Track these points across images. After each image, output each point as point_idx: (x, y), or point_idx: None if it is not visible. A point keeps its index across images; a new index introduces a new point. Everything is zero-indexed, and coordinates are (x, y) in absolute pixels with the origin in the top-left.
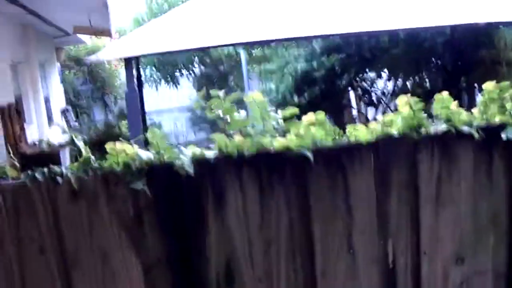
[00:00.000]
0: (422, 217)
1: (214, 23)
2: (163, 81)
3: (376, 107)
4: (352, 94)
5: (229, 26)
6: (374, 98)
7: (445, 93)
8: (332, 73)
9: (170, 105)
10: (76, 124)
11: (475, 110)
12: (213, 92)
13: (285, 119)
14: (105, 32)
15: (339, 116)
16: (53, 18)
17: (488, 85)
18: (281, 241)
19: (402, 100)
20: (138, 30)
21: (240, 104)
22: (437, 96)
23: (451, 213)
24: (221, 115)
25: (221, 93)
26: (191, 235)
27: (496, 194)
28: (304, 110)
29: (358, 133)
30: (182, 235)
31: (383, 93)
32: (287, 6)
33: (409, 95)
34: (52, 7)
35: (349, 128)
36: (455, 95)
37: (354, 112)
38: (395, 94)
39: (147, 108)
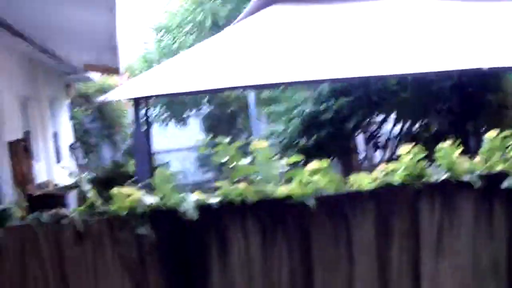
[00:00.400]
0: (422, 265)
1: (223, 66)
2: (172, 120)
3: (383, 150)
4: (359, 137)
5: (237, 69)
6: (381, 141)
7: (447, 143)
8: (340, 116)
9: (178, 144)
10: (85, 161)
11: (477, 159)
12: (219, 138)
13: (290, 166)
14: (114, 70)
15: (346, 159)
16: (63, 55)
17: (491, 134)
18: None
19: (405, 149)
20: (148, 72)
21: (246, 147)
22: (439, 146)
23: (451, 261)
24: (227, 162)
25: (226, 140)
26: (194, 280)
27: (496, 242)
28: (311, 152)
29: (361, 181)
30: (185, 279)
31: (391, 137)
32: (296, 50)
33: (412, 144)
34: (62, 44)
35: (351, 176)
36: (462, 139)
37: (361, 155)
38: (402, 137)
39: (155, 147)
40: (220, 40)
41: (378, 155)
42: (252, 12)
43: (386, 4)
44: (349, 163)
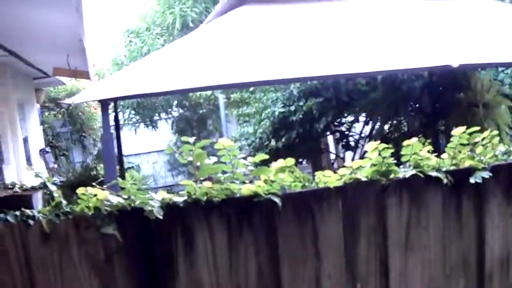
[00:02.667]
0: (391, 261)
1: (192, 67)
2: (142, 124)
3: (354, 151)
4: (330, 138)
5: (207, 70)
6: (351, 142)
7: (414, 139)
8: (310, 117)
9: (149, 148)
10: (55, 165)
11: (444, 155)
12: (184, 138)
13: (256, 165)
14: (84, 74)
15: (317, 160)
16: (33, 59)
17: (458, 130)
18: (249, 286)
19: (371, 146)
20: (116, 74)
21: (213, 149)
22: (406, 142)
23: (420, 257)
24: (192, 161)
25: (192, 139)
26: (160, 279)
27: (465, 238)
28: (281, 153)
29: (327, 178)
30: (152, 279)
31: (361, 137)
32: (265, 50)
33: (378, 141)
34: (31, 48)
35: (318, 174)
36: (433, 138)
37: (332, 156)
38: (373, 137)
39: (125, 151)
40: (189, 41)
41: (349, 155)
42: (221, 13)
43: (355, 4)
44: (319, 164)
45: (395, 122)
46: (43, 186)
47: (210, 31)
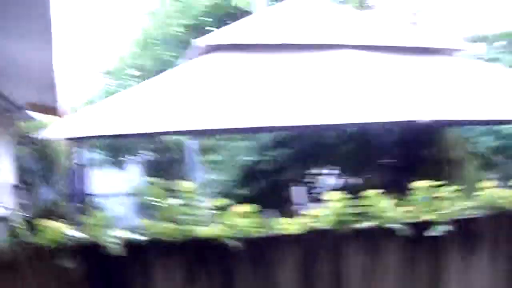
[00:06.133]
0: None
1: (162, 109)
2: (111, 165)
3: (321, 203)
4: (297, 189)
5: (176, 113)
6: (319, 194)
7: (373, 191)
8: (278, 167)
9: (117, 189)
10: (25, 201)
11: (404, 208)
12: (148, 179)
13: (217, 209)
14: (52, 110)
15: (283, 210)
16: (5, 93)
17: (418, 184)
18: None
19: (332, 196)
20: (84, 110)
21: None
22: (365, 194)
23: None
24: (155, 202)
25: (156, 180)
26: None
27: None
28: (248, 202)
29: (287, 225)
30: None
31: (329, 189)
32: (236, 96)
33: (338, 192)
34: (4, 82)
35: (278, 220)
36: (402, 193)
37: (301, 206)
38: (341, 190)
39: (93, 190)
40: (157, 84)
41: (315, 208)
42: (192, 58)
43: (324, 56)
44: (286, 214)
45: (364, 176)
46: (5, 219)
47: (179, 74)
